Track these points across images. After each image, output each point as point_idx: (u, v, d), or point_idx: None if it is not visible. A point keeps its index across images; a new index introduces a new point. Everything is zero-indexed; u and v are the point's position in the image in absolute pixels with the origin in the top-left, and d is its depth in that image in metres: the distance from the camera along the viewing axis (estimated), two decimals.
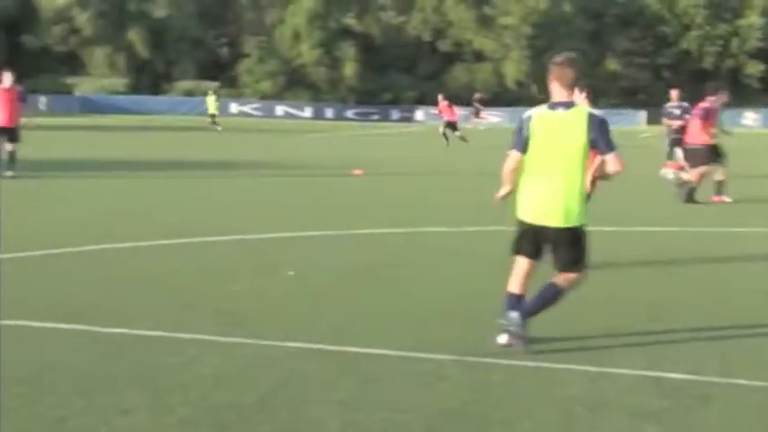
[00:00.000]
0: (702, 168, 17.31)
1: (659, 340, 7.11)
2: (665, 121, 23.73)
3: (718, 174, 17.53)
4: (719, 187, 17.49)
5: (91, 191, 17.30)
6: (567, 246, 6.64)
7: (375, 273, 9.67)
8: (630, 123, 62.47)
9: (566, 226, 6.58)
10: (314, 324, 7.37)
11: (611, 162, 6.60)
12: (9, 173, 19.10)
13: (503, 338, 6.69)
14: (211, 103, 47.82)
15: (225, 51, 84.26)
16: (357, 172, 21.86)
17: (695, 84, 62.78)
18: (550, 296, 6.71)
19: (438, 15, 76.67)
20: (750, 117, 65.08)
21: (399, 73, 75.43)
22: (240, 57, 77.73)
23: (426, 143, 36.28)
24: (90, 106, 67.46)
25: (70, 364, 6.11)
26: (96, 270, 9.43)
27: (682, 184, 17.43)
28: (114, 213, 14.04)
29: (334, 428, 5.16)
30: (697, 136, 17.68)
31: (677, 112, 23.21)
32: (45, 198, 16.03)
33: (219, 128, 44.97)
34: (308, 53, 74.64)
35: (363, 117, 69.46)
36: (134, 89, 74.30)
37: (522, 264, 6.81)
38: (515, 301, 6.76)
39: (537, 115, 6.70)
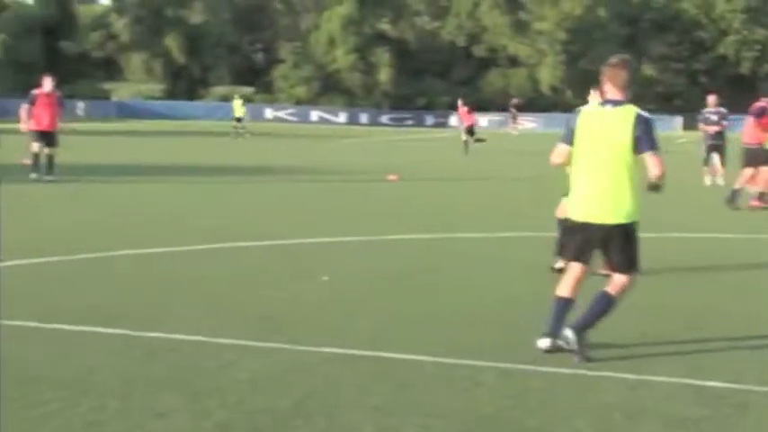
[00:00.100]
0: (764, 169, 17.14)
1: (698, 348, 7.04)
2: (701, 126, 23.54)
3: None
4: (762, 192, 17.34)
5: (128, 195, 17.43)
6: (618, 244, 6.58)
7: (410, 278, 9.66)
8: (666, 129, 62.02)
9: (615, 222, 6.54)
10: (349, 329, 7.38)
11: (651, 163, 6.57)
12: (48, 177, 19.31)
13: (543, 343, 6.63)
14: (238, 107, 47.95)
15: (260, 57, 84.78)
16: (391, 177, 21.86)
17: (732, 89, 62.29)
18: (602, 307, 6.63)
19: (473, 21, 76.63)
20: None
21: (434, 78, 75.45)
22: (275, 62, 78.13)
23: (461, 148, 36.20)
24: (127, 111, 68.06)
25: (108, 368, 6.15)
26: (133, 274, 9.49)
27: (736, 191, 17.16)
28: (151, 218, 14.13)
29: None
30: (753, 135, 17.59)
31: (714, 117, 23.03)
32: (82, 202, 16.17)
33: (243, 131, 44.75)
34: (342, 58, 74.86)
35: (398, 122, 69.53)
36: (170, 94, 74.93)
37: (574, 268, 6.78)
38: (564, 306, 6.70)
39: (586, 110, 6.80)
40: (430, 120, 70.29)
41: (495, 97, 74.10)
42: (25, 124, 19.87)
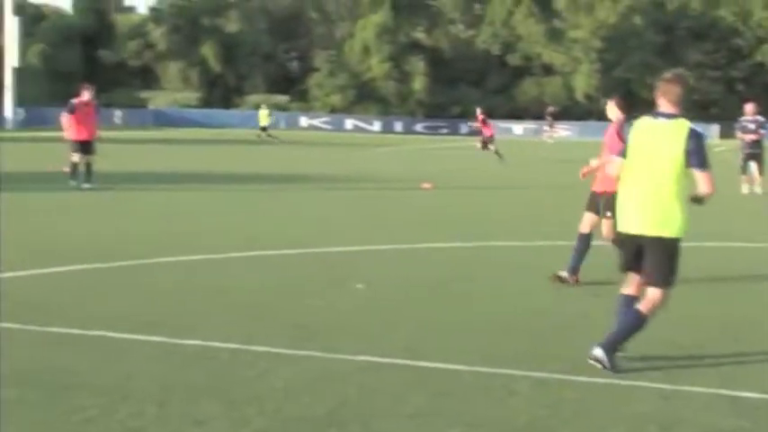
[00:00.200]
0: None
1: (734, 359, 7.01)
2: (739, 135, 23.38)
3: None
4: None
5: (164, 203, 17.59)
6: (657, 257, 6.57)
7: (444, 287, 9.69)
8: None
9: (658, 235, 6.55)
10: (384, 338, 7.42)
11: (701, 179, 6.57)
12: (87, 185, 19.53)
13: (597, 352, 6.59)
14: (264, 116, 48.40)
15: (295, 65, 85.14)
16: (426, 185, 21.89)
17: None
18: (633, 324, 6.61)
19: (507, 29, 76.52)
20: None
21: (468, 87, 75.37)
22: (310, 71, 78.42)
23: (494, 156, 36.16)
24: (163, 120, 68.62)
25: (146, 375, 6.23)
26: (170, 282, 9.59)
27: None
28: (187, 226, 14.25)
29: None
30: None
31: (752, 126, 22.87)
32: (119, 210, 16.33)
33: (272, 139, 45.12)
34: (377, 67, 75.02)
35: (432, 131, 69.53)
36: (206, 103, 75.44)
37: (632, 276, 6.82)
38: (630, 301, 6.73)
39: (639, 123, 6.82)
40: (464, 128, 70.18)
41: (529, 105, 73.93)
42: (68, 132, 20.07)
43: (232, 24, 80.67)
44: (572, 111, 70.99)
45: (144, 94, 76.99)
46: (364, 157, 37.45)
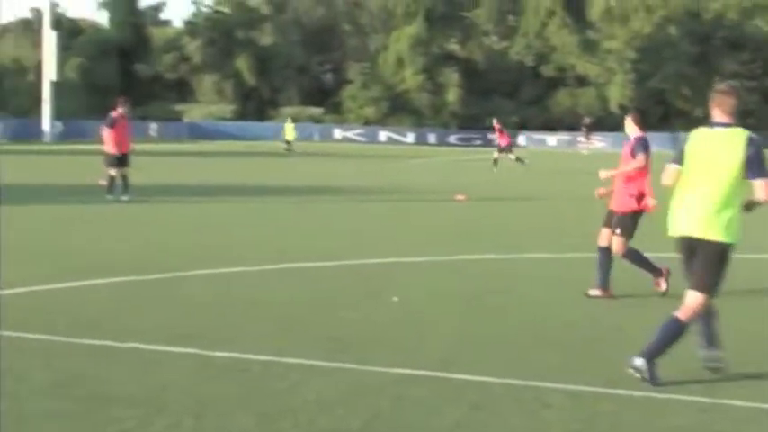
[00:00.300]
0: None
1: None
2: None
3: None
4: None
5: (198, 216, 17.69)
6: (705, 259, 6.54)
7: (478, 299, 9.66)
8: None
9: (710, 238, 6.51)
10: (418, 350, 7.40)
11: (759, 187, 6.55)
12: (125, 197, 19.70)
13: (638, 362, 6.54)
14: (289, 130, 48.67)
15: (329, 78, 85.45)
16: (459, 197, 21.87)
17: None
18: (672, 333, 6.56)
19: (541, 40, 76.36)
20: None
21: (502, 98, 75.22)
22: (344, 83, 78.67)
23: (529, 168, 36.07)
24: (198, 132, 69.08)
25: (181, 387, 6.26)
26: (204, 294, 9.64)
27: None
28: (220, 238, 14.32)
29: None
30: None
31: None
32: (154, 223, 16.45)
33: (292, 152, 45.44)
34: (411, 79, 75.11)
35: (466, 142, 69.48)
36: (240, 115, 75.90)
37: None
38: (707, 320, 6.76)
39: (696, 131, 6.83)
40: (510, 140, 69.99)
41: (563, 117, 73.67)
42: (109, 146, 20.16)
43: (266, 37, 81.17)
44: (606, 122, 70.57)
45: (179, 107, 77.63)
46: (398, 168, 37.48)
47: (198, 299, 9.35)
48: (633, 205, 9.87)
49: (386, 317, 8.69)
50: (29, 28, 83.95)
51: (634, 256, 9.95)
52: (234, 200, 21.13)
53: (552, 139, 70.00)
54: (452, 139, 70.86)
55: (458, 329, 8.20)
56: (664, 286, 9.89)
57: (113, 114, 20.38)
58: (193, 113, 76.65)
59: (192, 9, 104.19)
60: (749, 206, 6.61)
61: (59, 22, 64.13)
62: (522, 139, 70.05)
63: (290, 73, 79.43)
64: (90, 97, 69.09)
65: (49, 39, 57.95)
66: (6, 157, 38.34)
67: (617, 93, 72.69)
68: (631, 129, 10.13)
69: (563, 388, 6.37)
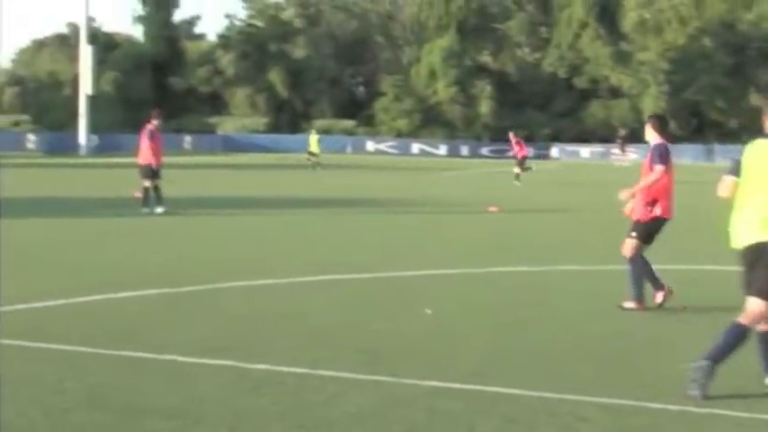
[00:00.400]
0: None
1: None
2: None
3: None
4: None
5: (231, 228, 17.79)
6: (763, 265, 6.50)
7: (512, 311, 9.65)
8: None
9: (766, 241, 6.48)
10: (451, 362, 7.40)
11: None
12: (158, 209, 19.85)
13: (703, 362, 6.45)
14: (314, 142, 47.97)
15: (361, 90, 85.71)
16: (492, 209, 21.85)
17: None
18: (734, 338, 6.53)
19: (574, 52, 76.15)
20: None
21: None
22: (376, 95, 78.83)
23: (562, 179, 35.96)
24: (231, 145, 69.52)
25: (217, 399, 6.30)
26: (238, 306, 9.69)
27: None
28: (253, 250, 14.39)
29: None
30: None
31: None
32: (188, 235, 16.56)
33: (316, 167, 44.37)
34: (443, 91, 75.16)
35: (498, 154, 69.30)
36: (273, 128, 76.26)
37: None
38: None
39: (752, 143, 6.83)
40: (531, 151, 69.84)
41: (596, 128, 73.35)
42: (148, 157, 20.29)
43: (299, 50, 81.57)
44: (639, 133, 69.81)
45: (212, 120, 78.18)
46: (430, 181, 37.49)
47: (232, 311, 9.40)
48: (648, 212, 9.84)
49: (419, 329, 8.69)
50: (65, 43, 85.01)
51: (640, 265, 9.84)
52: (267, 212, 21.22)
53: (585, 151, 69.73)
54: (485, 151, 70.76)
55: (491, 342, 8.20)
56: (659, 299, 9.80)
57: (152, 127, 20.49)
58: (227, 126, 77.17)
59: (225, 23, 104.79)
60: None
61: (95, 37, 64.84)
62: (554, 150, 69.91)
63: (323, 85, 79.76)
64: (125, 111, 69.73)
65: (86, 53, 58.59)
66: (43, 170, 38.79)
67: (650, 104, 72.20)
68: (651, 135, 10.07)
69: (597, 401, 6.35)
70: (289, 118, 78.12)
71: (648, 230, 9.88)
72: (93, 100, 59.63)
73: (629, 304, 9.75)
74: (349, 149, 70.73)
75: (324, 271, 12.05)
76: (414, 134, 74.51)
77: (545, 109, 75.57)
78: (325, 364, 7.21)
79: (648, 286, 9.82)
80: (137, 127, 21.63)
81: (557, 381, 6.86)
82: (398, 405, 6.24)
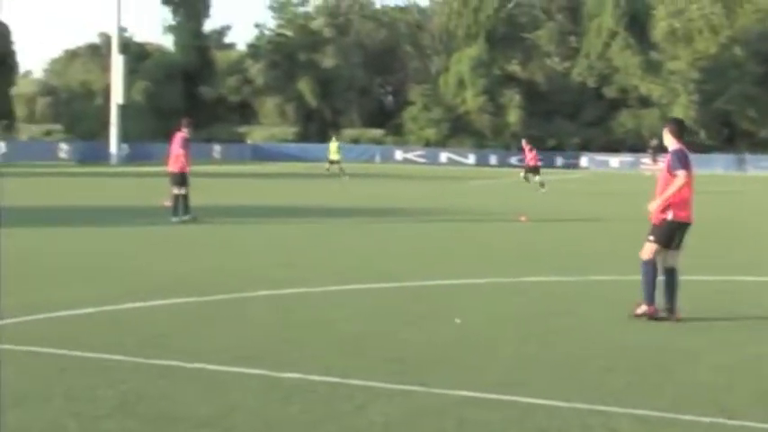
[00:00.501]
0: None
1: None
2: None
3: None
4: None
5: (259, 236, 17.84)
6: None
7: (543, 321, 9.60)
8: None
9: None
10: (482, 372, 7.38)
11: None
12: (187, 216, 19.95)
13: None
14: (334, 150, 47.70)
15: (390, 99, 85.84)
16: (522, 218, 21.80)
17: None
18: None
19: (603, 61, 75.86)
20: None
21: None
22: (405, 104, 78.90)
23: (591, 189, 35.80)
24: (261, 154, 69.82)
25: (248, 408, 6.32)
26: (267, 315, 9.72)
27: None
28: (282, 259, 14.41)
29: None
30: None
31: None
32: (217, 244, 16.61)
33: (342, 175, 44.24)
34: (472, 100, 75.09)
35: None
36: (303, 137, 76.52)
37: None
38: None
39: None
40: (560, 161, 69.68)
41: (626, 138, 73.00)
42: (180, 165, 20.38)
43: (328, 59, 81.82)
44: None
45: (242, 129, 78.59)
46: (459, 190, 37.44)
47: (261, 320, 9.42)
48: (664, 215, 9.77)
49: (448, 339, 8.67)
50: (97, 53, 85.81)
51: (650, 272, 9.76)
52: (295, 221, 21.26)
53: (615, 161, 69.42)
54: (514, 160, 70.54)
55: (521, 352, 8.16)
56: (639, 311, 9.69)
57: (185, 136, 20.56)
58: (256, 135, 77.52)
59: (255, 32, 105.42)
60: None
61: (127, 47, 65.29)
62: (584, 160, 69.64)
63: (352, 95, 79.95)
64: (155, 120, 70.16)
65: (117, 63, 59.02)
66: (75, 179, 39.11)
67: (681, 113, 71.59)
68: (669, 140, 10.01)
69: (630, 413, 6.30)
70: (318, 127, 78.32)
71: (663, 233, 9.80)
72: (125, 109, 60.04)
73: (662, 314, 9.67)
74: (378, 159, 70.82)
75: (352, 280, 12.06)
76: (442, 143, 74.50)
77: (574, 118, 75.32)
78: (354, 373, 7.20)
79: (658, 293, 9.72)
80: (167, 136, 21.74)
81: (588, 391, 6.82)
82: (428, 414, 6.23)
